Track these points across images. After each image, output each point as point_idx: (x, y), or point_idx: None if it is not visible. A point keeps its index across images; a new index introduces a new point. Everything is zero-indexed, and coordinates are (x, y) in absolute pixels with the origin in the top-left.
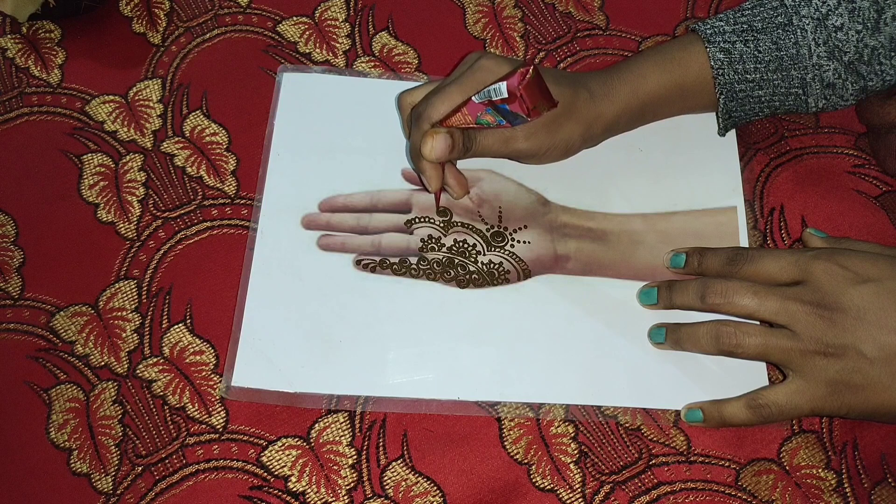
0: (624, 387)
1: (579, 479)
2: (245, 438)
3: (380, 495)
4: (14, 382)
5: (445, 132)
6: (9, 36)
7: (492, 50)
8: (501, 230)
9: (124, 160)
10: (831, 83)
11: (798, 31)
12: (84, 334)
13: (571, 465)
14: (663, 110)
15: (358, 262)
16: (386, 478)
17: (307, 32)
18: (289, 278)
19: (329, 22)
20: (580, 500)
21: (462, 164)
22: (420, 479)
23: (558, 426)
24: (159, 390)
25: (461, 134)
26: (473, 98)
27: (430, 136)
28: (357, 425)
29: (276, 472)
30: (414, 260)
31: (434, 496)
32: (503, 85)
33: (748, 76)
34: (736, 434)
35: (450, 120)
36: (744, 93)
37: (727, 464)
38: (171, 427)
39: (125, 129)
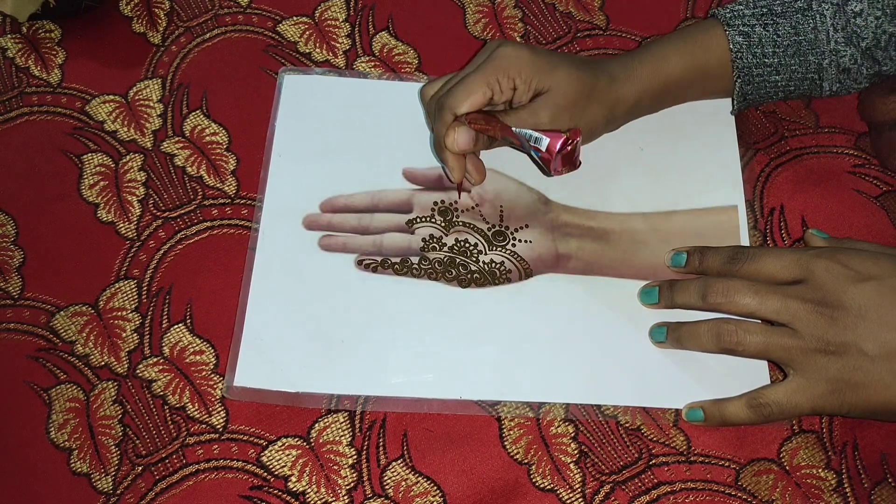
0: (625, 386)
1: (579, 479)
2: (245, 438)
3: (380, 495)
4: (14, 382)
5: (469, 127)
6: (9, 36)
7: None
8: (503, 229)
9: (124, 160)
10: (847, 68)
11: (817, 15)
12: (84, 334)
13: (571, 465)
14: (684, 93)
15: (359, 263)
16: (386, 478)
17: (307, 32)
18: (290, 279)
19: (329, 22)
20: (580, 499)
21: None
22: (420, 479)
23: (558, 426)
24: (159, 390)
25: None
26: (513, 129)
27: (453, 129)
28: (357, 425)
29: (276, 472)
30: (415, 260)
31: (434, 496)
32: (545, 140)
33: (766, 60)
34: (736, 434)
35: (478, 126)
36: (761, 77)
37: (727, 464)
38: (171, 427)
39: (125, 129)
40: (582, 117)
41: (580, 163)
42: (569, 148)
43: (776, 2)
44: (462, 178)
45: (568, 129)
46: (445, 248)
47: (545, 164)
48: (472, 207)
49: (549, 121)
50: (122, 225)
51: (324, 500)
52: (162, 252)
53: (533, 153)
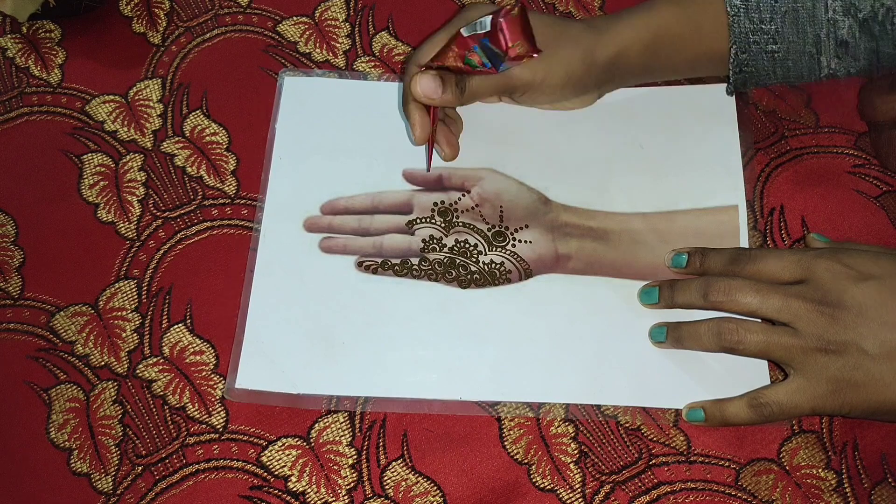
0: (625, 386)
1: (579, 479)
2: (245, 438)
3: (380, 495)
4: (14, 382)
5: (434, 72)
6: (9, 36)
7: None
8: (503, 230)
9: (124, 160)
10: (845, 41)
11: None
12: (84, 334)
13: (571, 465)
14: (678, 51)
15: (360, 264)
16: (386, 478)
17: (307, 32)
18: (291, 281)
19: (329, 22)
20: (580, 499)
21: (463, 163)
22: (420, 479)
23: (558, 426)
24: (159, 390)
25: (453, 75)
26: (462, 31)
27: (419, 74)
28: (357, 425)
29: (276, 472)
30: (415, 261)
31: (434, 496)
32: (488, 18)
33: (763, 26)
34: (736, 434)
35: (440, 59)
36: (757, 45)
37: (727, 464)
38: (171, 427)
39: (125, 129)
40: (554, 58)
41: (539, 48)
42: (514, 14)
43: None
44: (424, 138)
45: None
46: (445, 249)
47: (501, 49)
48: (472, 208)
49: (520, 66)
50: (122, 225)
51: (324, 500)
52: (162, 252)
53: (486, 46)
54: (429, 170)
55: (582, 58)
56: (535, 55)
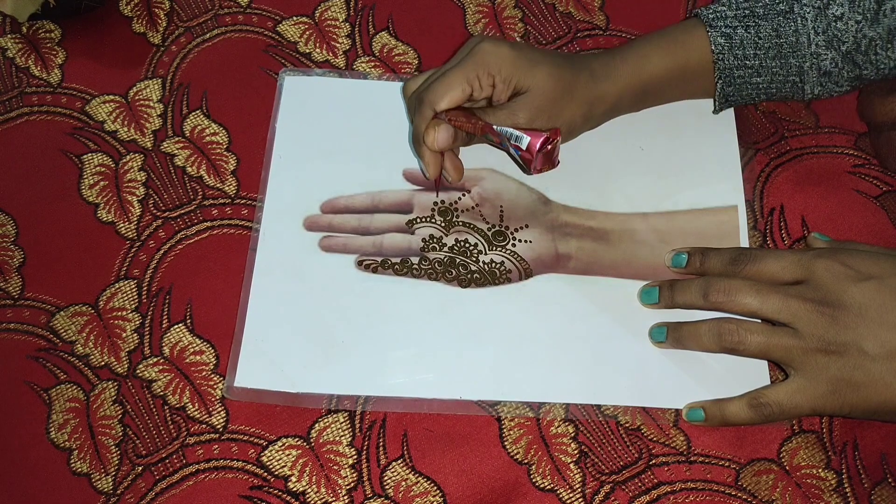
0: (625, 386)
1: (579, 479)
2: (245, 438)
3: (380, 495)
4: (14, 382)
5: (449, 124)
6: (9, 36)
7: None
8: (503, 229)
9: (124, 160)
10: (828, 71)
11: (799, 18)
12: (84, 334)
13: (571, 465)
14: (665, 93)
15: (360, 263)
16: (386, 478)
17: (307, 32)
18: (291, 279)
19: (329, 22)
20: (580, 499)
21: (464, 163)
22: (420, 479)
23: (558, 426)
24: (159, 390)
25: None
26: (494, 127)
27: (433, 126)
28: (357, 425)
29: (276, 472)
30: (415, 260)
31: (434, 496)
32: (525, 139)
33: (748, 62)
34: (736, 434)
35: (458, 123)
36: (742, 79)
37: (727, 464)
38: (172, 427)
39: (125, 129)
40: (560, 116)
41: (559, 162)
42: (549, 147)
43: (758, 4)
44: (438, 174)
45: (548, 129)
46: (445, 249)
47: (525, 163)
48: (472, 207)
49: (527, 121)
50: (122, 225)
51: (324, 500)
52: (162, 252)
53: (513, 151)
54: (437, 196)
55: (584, 113)
56: (553, 168)
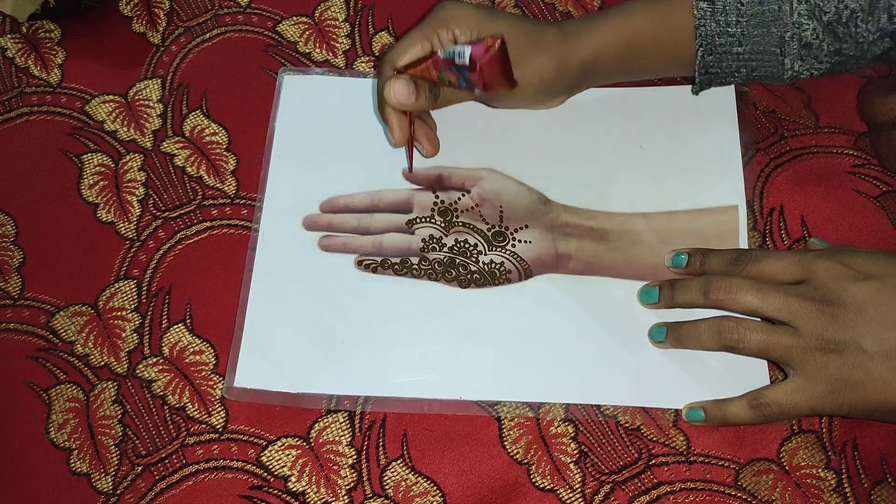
0: (624, 386)
1: (579, 479)
2: (245, 438)
3: (380, 495)
4: (14, 382)
5: (408, 78)
6: (9, 36)
7: None
8: (502, 230)
9: (124, 160)
10: (808, 43)
11: None
12: (84, 334)
13: (571, 465)
14: (650, 57)
15: (359, 263)
16: (386, 478)
17: (307, 32)
18: (290, 279)
19: (329, 22)
20: (580, 499)
21: (463, 163)
22: (420, 479)
23: (558, 426)
24: (159, 390)
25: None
26: (439, 53)
27: (392, 80)
28: (357, 425)
29: (276, 472)
30: (415, 260)
31: (434, 496)
32: (467, 50)
33: (729, 29)
34: (736, 434)
35: (415, 70)
36: (723, 47)
37: (727, 464)
38: (171, 427)
39: (125, 129)
40: (528, 66)
41: (517, 82)
42: (493, 53)
43: None
44: (403, 140)
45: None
46: (445, 249)
47: (476, 83)
48: (472, 208)
49: None
50: (121, 225)
51: (324, 500)
52: (162, 252)
53: (465, 74)
54: (411, 171)
55: (555, 65)
56: (511, 87)
